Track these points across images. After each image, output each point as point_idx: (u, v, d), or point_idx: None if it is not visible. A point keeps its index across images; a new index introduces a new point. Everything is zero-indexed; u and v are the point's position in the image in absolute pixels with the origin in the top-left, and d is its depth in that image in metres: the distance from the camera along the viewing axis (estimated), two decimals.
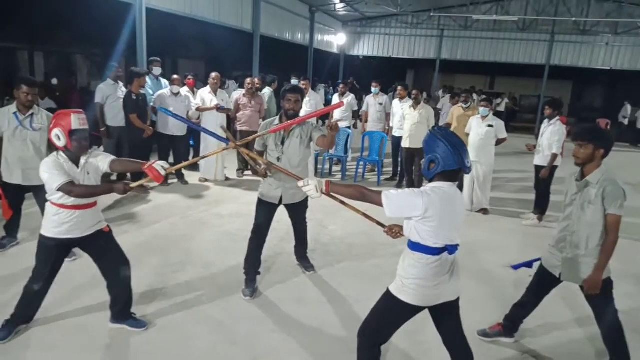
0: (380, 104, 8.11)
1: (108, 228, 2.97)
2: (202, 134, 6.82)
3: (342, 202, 2.60)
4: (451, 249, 2.19)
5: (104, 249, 2.95)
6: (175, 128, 6.53)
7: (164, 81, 7.23)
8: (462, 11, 15.71)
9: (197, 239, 4.69)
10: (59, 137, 2.68)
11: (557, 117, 5.63)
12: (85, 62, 16.65)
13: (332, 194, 2.40)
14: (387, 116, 8.08)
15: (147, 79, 6.69)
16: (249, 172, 7.49)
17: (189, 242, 4.59)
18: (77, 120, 2.69)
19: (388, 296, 2.30)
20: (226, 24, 10.37)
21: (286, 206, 3.72)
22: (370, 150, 7.83)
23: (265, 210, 3.63)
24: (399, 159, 7.29)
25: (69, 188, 2.63)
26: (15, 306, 2.91)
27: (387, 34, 17.81)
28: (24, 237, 4.31)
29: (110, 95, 6.10)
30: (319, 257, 4.38)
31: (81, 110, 2.83)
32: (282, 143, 3.50)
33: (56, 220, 2.76)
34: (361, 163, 7.71)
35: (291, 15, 13.63)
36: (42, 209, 3.51)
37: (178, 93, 6.54)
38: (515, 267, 2.99)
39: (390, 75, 17.94)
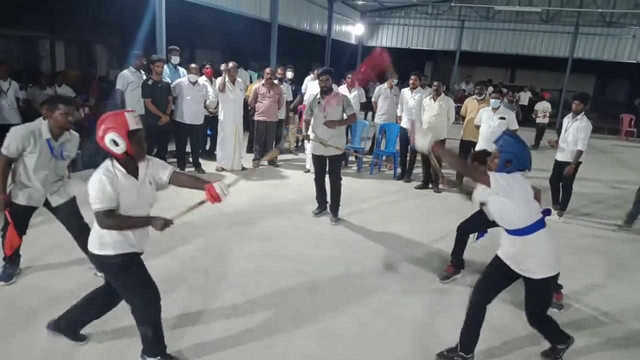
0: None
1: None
2: (219, 124, 6.80)
3: (436, 164, 3.05)
4: (543, 214, 2.48)
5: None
6: (192, 117, 6.56)
7: (182, 70, 7.25)
8: (483, 1, 15.33)
9: (213, 228, 4.71)
10: (115, 142, 2.23)
11: (583, 112, 5.48)
12: (105, 51, 16.83)
13: (434, 151, 2.61)
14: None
15: (165, 67, 6.64)
16: (265, 163, 7.50)
17: (206, 230, 4.62)
18: (132, 118, 2.29)
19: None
20: (244, 13, 10.33)
21: (327, 158, 4.92)
22: (387, 142, 7.75)
23: (316, 161, 5.10)
24: (408, 152, 6.98)
25: (103, 219, 2.26)
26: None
27: (406, 25, 17.53)
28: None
29: (131, 82, 6.16)
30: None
31: (132, 109, 2.62)
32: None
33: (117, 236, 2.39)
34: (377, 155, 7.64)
35: (309, 5, 13.52)
36: (74, 225, 3.37)
37: (196, 82, 6.55)
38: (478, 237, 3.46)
39: (408, 66, 17.65)
